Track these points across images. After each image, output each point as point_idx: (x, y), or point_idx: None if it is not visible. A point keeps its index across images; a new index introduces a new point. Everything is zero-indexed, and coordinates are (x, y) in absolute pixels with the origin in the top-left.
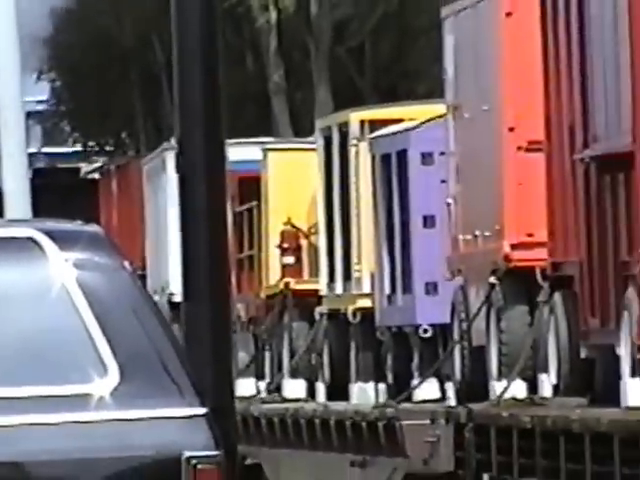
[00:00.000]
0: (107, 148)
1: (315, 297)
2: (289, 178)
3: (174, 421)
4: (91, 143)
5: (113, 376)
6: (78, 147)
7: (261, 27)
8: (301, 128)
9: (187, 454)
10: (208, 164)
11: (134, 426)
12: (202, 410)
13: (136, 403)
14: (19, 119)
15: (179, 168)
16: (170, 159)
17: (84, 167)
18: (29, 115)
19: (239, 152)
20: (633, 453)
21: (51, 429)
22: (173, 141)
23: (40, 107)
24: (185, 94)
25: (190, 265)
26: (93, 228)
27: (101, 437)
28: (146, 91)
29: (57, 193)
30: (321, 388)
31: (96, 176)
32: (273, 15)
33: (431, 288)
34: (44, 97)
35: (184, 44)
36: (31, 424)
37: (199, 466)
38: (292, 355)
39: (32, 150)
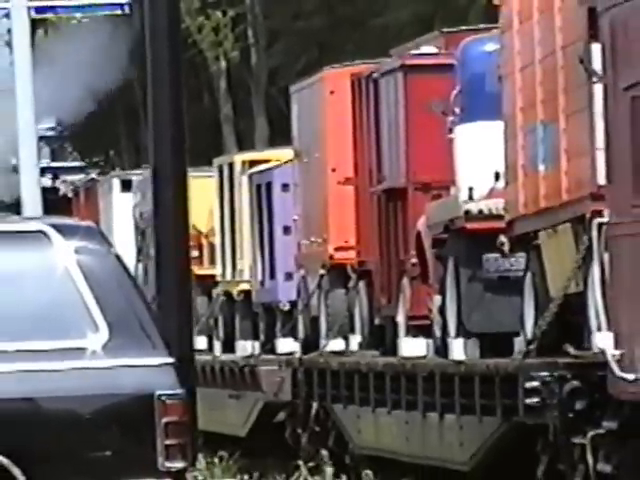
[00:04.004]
0: (100, 163)
1: (212, 279)
2: (194, 197)
3: (149, 368)
4: (87, 160)
5: (103, 334)
6: (77, 163)
7: (214, 72)
8: (245, 148)
9: (158, 392)
10: (175, 175)
11: (119, 371)
12: (170, 359)
13: (120, 354)
14: (33, 142)
15: (154, 177)
16: (115, 184)
17: (62, 189)
18: (41, 139)
19: None
20: (397, 384)
21: (57, 373)
22: (118, 171)
23: (49, 133)
24: (157, 123)
25: (162, 252)
26: (88, 223)
27: (94, 379)
28: (128, 121)
29: (47, 205)
30: (217, 344)
31: (70, 194)
32: (223, 64)
33: (288, 276)
34: (52, 125)
35: (156, 86)
36: (42, 370)
37: (167, 401)
38: (197, 321)
39: (43, 165)
